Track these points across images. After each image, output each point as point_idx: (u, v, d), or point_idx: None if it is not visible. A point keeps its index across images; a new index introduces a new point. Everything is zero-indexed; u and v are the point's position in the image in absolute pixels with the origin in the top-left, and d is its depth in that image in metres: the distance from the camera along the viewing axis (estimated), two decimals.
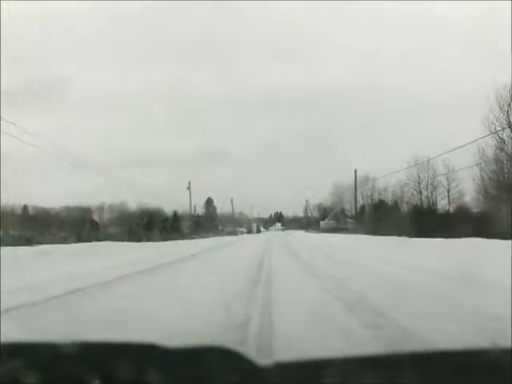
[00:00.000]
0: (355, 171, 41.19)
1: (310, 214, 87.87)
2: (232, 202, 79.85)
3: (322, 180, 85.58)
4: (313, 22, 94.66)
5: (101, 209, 59.19)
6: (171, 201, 53.81)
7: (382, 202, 48.11)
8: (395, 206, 41.87)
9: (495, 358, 0.88)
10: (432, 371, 0.85)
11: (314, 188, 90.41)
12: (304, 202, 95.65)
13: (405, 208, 40.35)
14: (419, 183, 38.84)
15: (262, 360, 0.86)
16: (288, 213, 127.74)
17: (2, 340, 0.96)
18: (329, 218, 62.71)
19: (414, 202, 38.91)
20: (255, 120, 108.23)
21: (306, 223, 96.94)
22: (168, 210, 57.23)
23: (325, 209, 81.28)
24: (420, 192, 38.50)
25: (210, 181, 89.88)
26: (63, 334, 3.27)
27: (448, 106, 61.02)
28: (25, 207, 53.98)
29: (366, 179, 44.24)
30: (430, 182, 38.94)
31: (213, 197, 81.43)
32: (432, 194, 38.52)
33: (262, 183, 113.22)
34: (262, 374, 0.83)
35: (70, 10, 64.99)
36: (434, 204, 38.62)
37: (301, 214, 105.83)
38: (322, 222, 66.16)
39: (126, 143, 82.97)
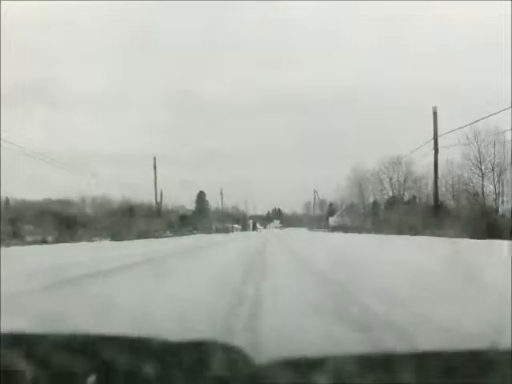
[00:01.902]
0: (434, 111, 23.88)
1: (317, 206, 77.52)
2: (222, 193, 68.44)
3: (325, 176, 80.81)
4: (314, 23, 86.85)
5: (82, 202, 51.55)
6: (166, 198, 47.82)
7: (394, 198, 37.70)
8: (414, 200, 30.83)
9: (495, 358, 0.88)
10: (429, 372, 0.84)
11: (316, 184, 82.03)
12: (304, 201, 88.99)
13: (454, 197, 29.06)
14: (480, 162, 27.36)
15: (260, 358, 0.86)
16: (286, 210, 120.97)
17: (1, 331, 0.93)
18: (339, 214, 51.19)
19: (473, 191, 27.35)
20: (254, 116, 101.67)
21: (309, 220, 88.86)
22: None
23: (331, 204, 71.08)
24: (482, 175, 26.98)
25: (207, 177, 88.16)
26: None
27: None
28: (7, 200, 46.07)
29: (397, 160, 32.78)
30: (495, 159, 27.53)
31: (211, 193, 71.50)
32: (499, 177, 26.98)
33: (260, 179, 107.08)
34: (258, 371, 0.85)
35: (68, 9, 57.03)
36: (500, 193, 27.26)
37: (300, 212, 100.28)
38: (331, 219, 54.56)
39: (124, 142, 78.51)
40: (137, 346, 0.89)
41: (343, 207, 49.23)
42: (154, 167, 35.75)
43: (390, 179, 34.32)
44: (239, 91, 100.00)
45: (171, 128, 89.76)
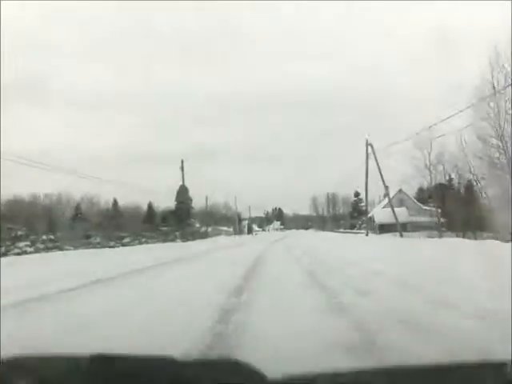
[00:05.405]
0: None
1: (325, 205, 58.83)
2: (182, 168, 47.33)
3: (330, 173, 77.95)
4: (313, 22, 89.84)
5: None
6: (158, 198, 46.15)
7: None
8: None
9: (491, 372, 0.90)
10: None
11: (318, 184, 79.06)
12: (309, 200, 77.98)
13: None
14: None
15: (272, 373, 0.88)
16: (288, 210, 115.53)
17: (9, 355, 0.92)
18: (385, 204, 30.46)
19: None
20: (253, 114, 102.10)
21: (319, 220, 70.99)
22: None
23: (357, 194, 51.06)
24: None
25: (203, 177, 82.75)
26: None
27: None
28: None
29: None
30: None
31: (203, 191, 59.22)
32: None
33: (259, 179, 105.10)
34: None
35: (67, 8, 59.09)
36: None
37: (302, 212, 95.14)
38: (377, 211, 33.11)
39: (121, 141, 78.25)
40: (154, 367, 0.86)
41: (396, 194, 28.62)
42: None
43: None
44: (237, 88, 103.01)
45: (167, 124, 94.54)
